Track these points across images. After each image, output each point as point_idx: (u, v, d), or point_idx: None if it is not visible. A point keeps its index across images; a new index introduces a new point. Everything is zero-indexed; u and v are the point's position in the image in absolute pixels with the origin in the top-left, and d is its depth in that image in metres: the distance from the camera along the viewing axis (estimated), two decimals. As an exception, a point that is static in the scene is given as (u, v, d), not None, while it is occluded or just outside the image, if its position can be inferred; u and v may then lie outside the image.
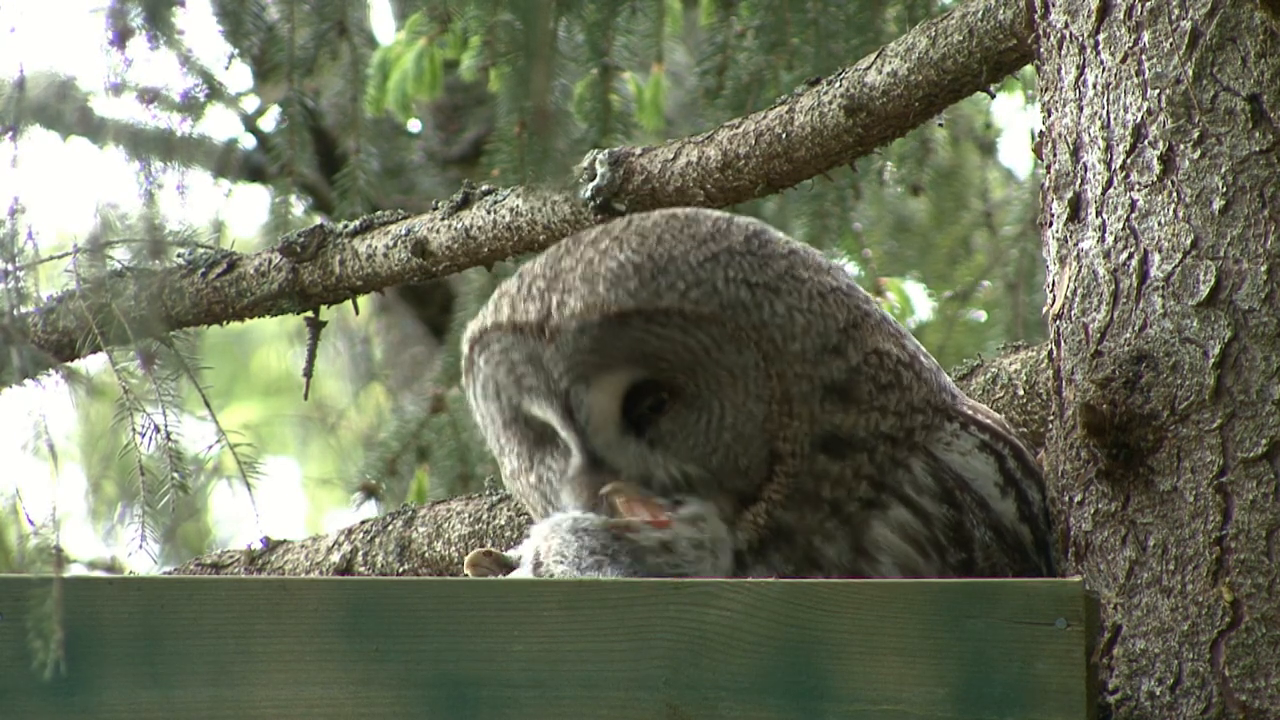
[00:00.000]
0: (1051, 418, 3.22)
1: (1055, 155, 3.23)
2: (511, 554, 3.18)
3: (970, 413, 3.24)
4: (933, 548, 3.13)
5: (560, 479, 3.21)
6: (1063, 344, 3.17)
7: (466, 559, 3.18)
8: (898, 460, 3.15)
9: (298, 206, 6.09)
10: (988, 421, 3.24)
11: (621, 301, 3.09)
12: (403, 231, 4.16)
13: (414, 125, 7.93)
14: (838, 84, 3.90)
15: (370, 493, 6.44)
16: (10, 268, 3.24)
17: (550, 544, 3.10)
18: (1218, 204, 3.06)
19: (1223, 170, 3.06)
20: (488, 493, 4.14)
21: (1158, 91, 3.11)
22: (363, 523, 4.20)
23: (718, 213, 3.23)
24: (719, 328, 3.10)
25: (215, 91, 6.49)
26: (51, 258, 3.95)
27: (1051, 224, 3.23)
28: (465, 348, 3.22)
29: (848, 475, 3.14)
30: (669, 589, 2.84)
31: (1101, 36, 3.16)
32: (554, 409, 3.14)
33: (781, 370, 3.12)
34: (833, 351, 3.14)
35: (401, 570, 4.11)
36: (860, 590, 2.84)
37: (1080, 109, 3.19)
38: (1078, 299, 3.16)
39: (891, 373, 3.18)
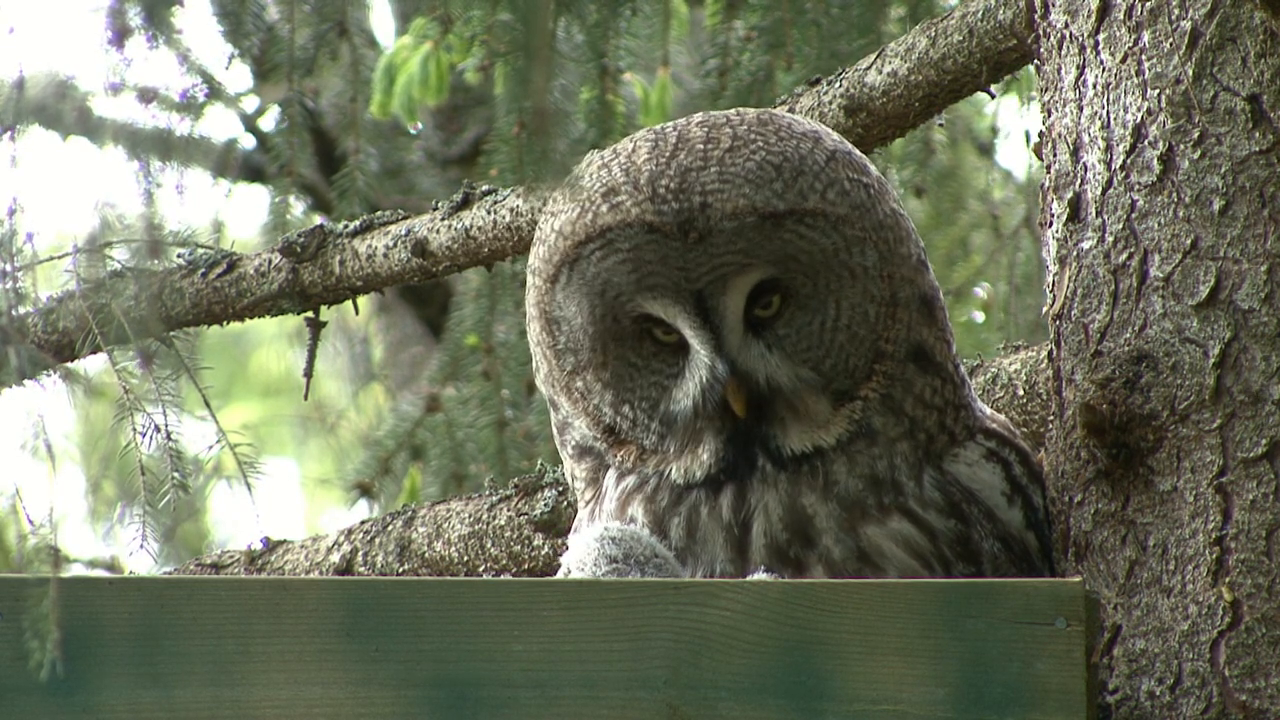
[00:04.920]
0: (1051, 418, 3.22)
1: (1055, 155, 3.23)
2: None
3: (978, 418, 3.24)
4: (937, 561, 3.12)
5: (665, 380, 3.18)
6: (1063, 344, 3.17)
7: None
8: (936, 449, 3.18)
9: (297, 207, 6.09)
10: (994, 427, 3.24)
11: (773, 203, 3.09)
12: (403, 231, 4.16)
13: (414, 125, 7.94)
14: (838, 84, 3.90)
15: (365, 491, 6.45)
16: (9, 268, 3.24)
17: (576, 551, 3.11)
18: (1217, 204, 3.06)
19: (1222, 170, 3.06)
20: (488, 493, 4.14)
21: (1158, 91, 3.11)
22: (363, 523, 4.20)
23: (781, 113, 3.23)
24: (850, 227, 3.13)
25: (215, 91, 6.49)
26: (51, 258, 3.95)
27: (1051, 224, 3.23)
28: (568, 244, 3.16)
29: (926, 394, 3.17)
30: (669, 589, 2.83)
31: (1101, 36, 3.16)
32: (682, 309, 3.12)
33: (892, 272, 3.15)
34: (922, 265, 3.20)
35: (401, 570, 4.11)
36: (860, 590, 2.83)
37: (1080, 109, 3.18)
38: (1078, 299, 3.16)
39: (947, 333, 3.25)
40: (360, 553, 4.16)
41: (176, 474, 3.90)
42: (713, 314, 3.12)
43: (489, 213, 4.12)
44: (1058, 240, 3.21)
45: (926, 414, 3.18)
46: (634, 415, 3.20)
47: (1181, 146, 3.09)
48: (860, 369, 3.16)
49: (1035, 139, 3.32)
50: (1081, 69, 3.19)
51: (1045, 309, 3.25)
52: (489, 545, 4.08)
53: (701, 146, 3.12)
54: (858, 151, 3.22)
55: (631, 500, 3.20)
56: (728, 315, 3.13)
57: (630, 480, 3.22)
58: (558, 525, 4.03)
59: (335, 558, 4.17)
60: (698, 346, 3.14)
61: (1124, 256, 3.12)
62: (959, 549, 3.13)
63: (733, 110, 3.22)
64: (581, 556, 3.12)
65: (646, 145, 3.15)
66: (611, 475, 3.24)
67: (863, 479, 3.14)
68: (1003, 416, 3.34)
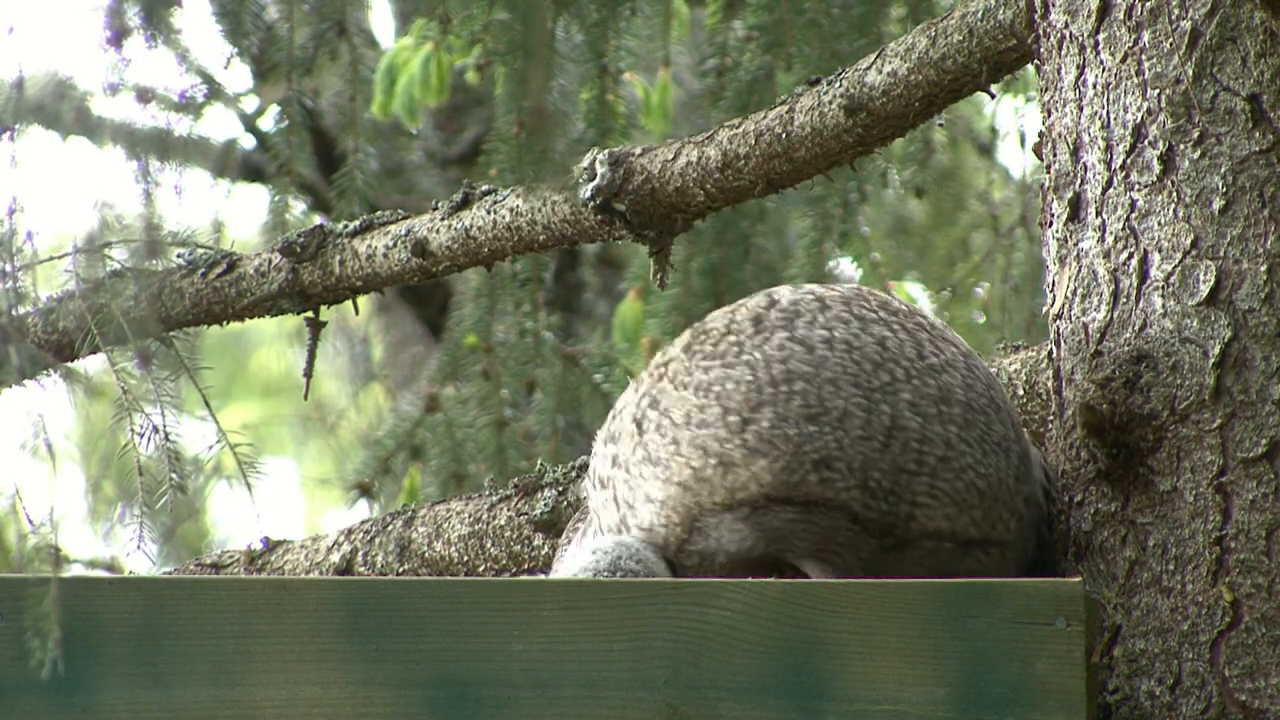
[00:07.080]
0: (1051, 418, 3.22)
1: (1055, 155, 3.23)
2: None
3: None
4: None
5: None
6: (1063, 344, 3.17)
7: None
8: None
9: (297, 206, 6.09)
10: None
11: (968, 530, 3.05)
12: (403, 231, 4.16)
13: (415, 126, 7.94)
14: (837, 84, 3.89)
15: (364, 491, 6.45)
16: (9, 268, 3.24)
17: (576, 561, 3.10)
18: (1218, 204, 3.06)
19: (1223, 170, 3.06)
20: (487, 493, 4.14)
21: (1158, 91, 3.11)
22: (363, 523, 4.20)
23: (982, 382, 3.13)
24: (1011, 550, 3.10)
25: (214, 91, 6.50)
26: (51, 258, 3.95)
27: (1051, 224, 3.23)
28: (763, 491, 3.02)
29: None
30: (669, 589, 2.83)
31: (1101, 36, 3.16)
32: (821, 571, 3.04)
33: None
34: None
35: (401, 570, 4.11)
36: (860, 590, 2.83)
37: (1080, 109, 3.18)
38: (1078, 299, 3.15)
39: None
40: (360, 553, 4.16)
41: (174, 475, 3.90)
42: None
43: (489, 213, 4.11)
44: (1058, 240, 3.21)
45: None
46: None
47: (1181, 146, 3.09)
48: None
49: (1034, 139, 3.32)
50: (1081, 69, 3.19)
51: (1045, 309, 3.25)
52: (489, 545, 4.08)
53: (917, 445, 3.03)
54: (1021, 431, 3.15)
55: None
56: None
57: None
58: (558, 525, 4.03)
59: (335, 558, 4.16)
60: None
61: (1124, 256, 3.12)
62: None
63: (934, 359, 3.10)
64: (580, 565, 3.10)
65: (859, 411, 3.02)
66: None
67: None
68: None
